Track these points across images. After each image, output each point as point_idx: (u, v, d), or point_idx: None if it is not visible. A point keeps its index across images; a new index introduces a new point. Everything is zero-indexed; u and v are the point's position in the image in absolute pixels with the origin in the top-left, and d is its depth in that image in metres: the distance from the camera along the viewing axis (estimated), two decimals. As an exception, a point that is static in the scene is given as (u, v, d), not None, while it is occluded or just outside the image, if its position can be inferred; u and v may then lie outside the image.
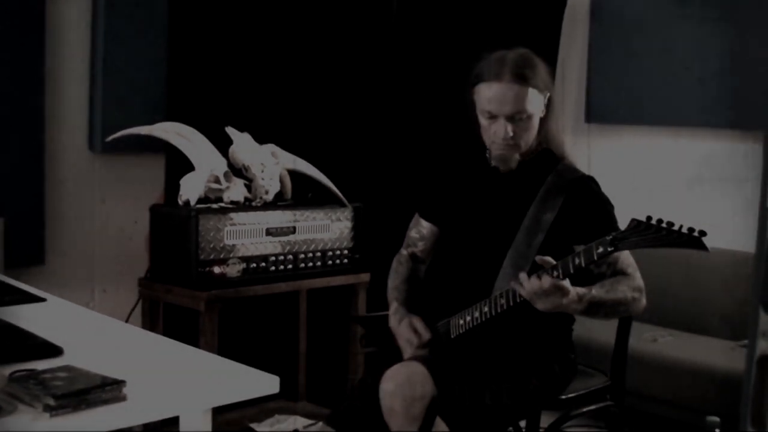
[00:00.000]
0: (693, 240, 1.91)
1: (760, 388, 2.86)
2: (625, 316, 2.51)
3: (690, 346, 3.72)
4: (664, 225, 1.94)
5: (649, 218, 1.96)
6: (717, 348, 3.67)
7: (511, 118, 2.34)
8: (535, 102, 2.36)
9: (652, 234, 1.95)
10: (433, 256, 2.63)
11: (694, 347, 3.69)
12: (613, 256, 2.22)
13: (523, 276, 2.15)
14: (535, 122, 2.38)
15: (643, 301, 2.32)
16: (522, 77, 2.33)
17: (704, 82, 4.04)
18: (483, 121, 2.39)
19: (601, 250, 2.04)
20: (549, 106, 2.42)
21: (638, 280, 2.32)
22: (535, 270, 2.15)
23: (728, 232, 3.84)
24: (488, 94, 2.35)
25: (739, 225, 3.91)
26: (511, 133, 2.34)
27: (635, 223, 1.98)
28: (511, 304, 2.22)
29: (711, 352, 3.62)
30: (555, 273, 2.10)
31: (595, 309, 2.23)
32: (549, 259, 2.13)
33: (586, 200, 2.36)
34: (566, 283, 2.12)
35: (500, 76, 2.33)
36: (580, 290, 2.18)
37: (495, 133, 2.36)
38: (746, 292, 3.23)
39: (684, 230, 1.92)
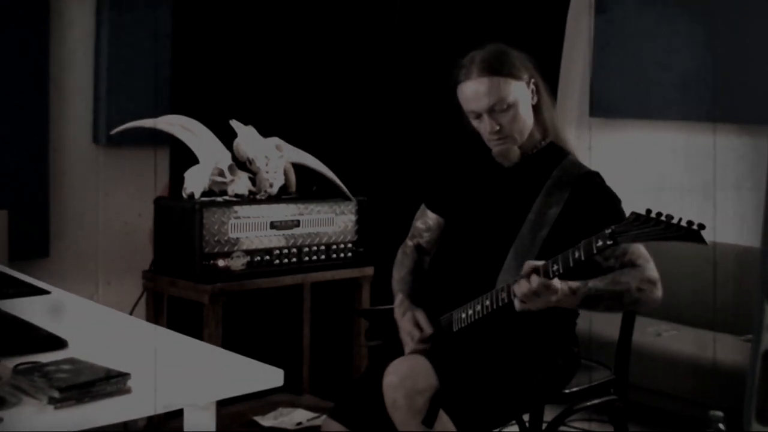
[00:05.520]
0: (692, 233, 1.91)
1: (765, 383, 2.86)
2: (635, 308, 2.48)
3: (694, 340, 3.72)
4: (663, 218, 1.94)
5: (648, 211, 1.96)
6: (721, 342, 3.67)
7: (492, 111, 2.35)
8: (514, 91, 2.35)
9: (651, 227, 1.95)
10: (438, 248, 2.63)
11: (698, 342, 3.69)
12: (621, 248, 2.22)
13: (515, 287, 2.15)
14: (523, 111, 2.38)
15: (657, 293, 2.28)
16: (490, 69, 2.34)
17: (709, 76, 4.03)
18: (473, 122, 2.41)
19: (600, 243, 2.04)
20: (539, 93, 2.42)
21: (650, 271, 2.28)
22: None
23: (733, 226, 3.84)
24: (465, 95, 2.38)
25: (744, 219, 3.91)
26: (497, 127, 2.35)
27: (634, 216, 1.98)
28: (512, 298, 2.21)
29: (715, 346, 3.61)
30: (555, 267, 2.10)
31: (594, 302, 2.22)
32: (531, 262, 2.13)
33: (593, 196, 2.35)
34: (555, 281, 2.12)
35: (470, 74, 2.37)
36: (573, 284, 2.17)
37: (485, 131, 2.38)
38: (750, 286, 3.23)
39: (683, 223, 1.92)
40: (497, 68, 2.35)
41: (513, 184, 2.42)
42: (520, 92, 2.37)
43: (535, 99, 2.41)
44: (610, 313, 2.34)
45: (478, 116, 2.37)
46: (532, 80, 2.40)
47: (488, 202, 2.44)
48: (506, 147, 2.39)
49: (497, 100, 2.34)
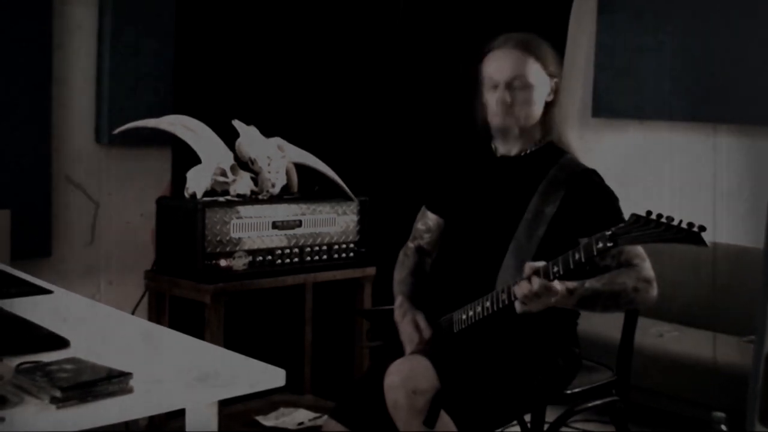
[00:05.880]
0: (692, 235, 1.91)
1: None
2: (631, 308, 2.49)
3: (696, 341, 3.71)
4: (663, 220, 1.93)
5: (648, 213, 1.96)
6: (723, 343, 3.67)
7: (510, 85, 2.36)
8: (536, 75, 2.38)
9: (651, 229, 1.95)
10: (438, 249, 2.63)
11: (700, 343, 3.69)
12: (618, 248, 2.22)
13: (515, 288, 2.15)
14: (536, 98, 2.39)
15: (653, 292, 2.28)
16: (524, 47, 2.39)
17: (709, 77, 4.03)
18: (487, 96, 2.42)
19: (600, 245, 2.04)
20: (556, 92, 2.43)
21: (646, 270, 2.29)
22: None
23: (734, 227, 3.84)
24: (490, 63, 2.41)
25: (744, 219, 3.90)
26: (508, 99, 2.36)
27: (634, 218, 1.98)
28: (512, 299, 2.21)
29: (717, 347, 3.61)
30: (555, 268, 2.10)
31: (591, 302, 2.22)
32: (532, 264, 2.14)
33: (590, 193, 2.35)
34: (555, 283, 2.12)
35: (503, 45, 2.41)
36: (570, 284, 2.18)
37: (495, 103, 2.39)
38: (751, 287, 3.23)
39: (683, 225, 1.92)
40: (531, 49, 2.39)
41: (510, 183, 2.43)
42: (542, 81, 2.40)
43: (551, 97, 2.43)
44: (607, 313, 2.34)
45: (495, 86, 2.39)
46: (555, 79, 2.43)
47: (486, 202, 2.45)
48: (509, 123, 2.40)
49: (519, 74, 2.36)
